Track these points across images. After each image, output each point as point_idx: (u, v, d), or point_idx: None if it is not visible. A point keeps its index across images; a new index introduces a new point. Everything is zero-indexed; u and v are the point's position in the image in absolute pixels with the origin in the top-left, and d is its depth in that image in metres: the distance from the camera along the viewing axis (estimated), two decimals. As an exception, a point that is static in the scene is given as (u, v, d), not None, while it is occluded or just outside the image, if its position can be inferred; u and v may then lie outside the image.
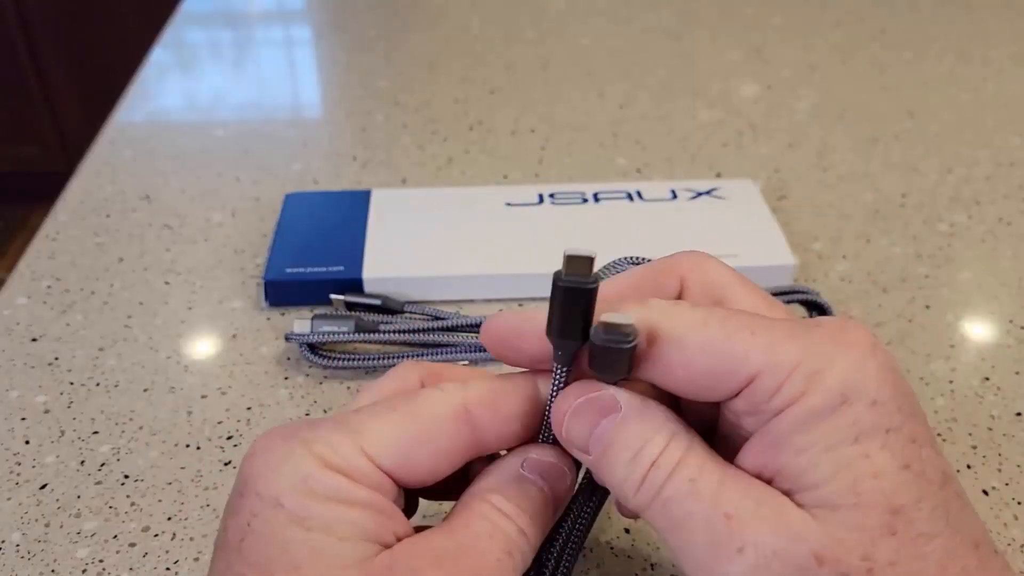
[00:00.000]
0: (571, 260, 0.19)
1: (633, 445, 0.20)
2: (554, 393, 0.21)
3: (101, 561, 0.29)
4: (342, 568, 0.19)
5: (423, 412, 0.21)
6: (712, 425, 0.22)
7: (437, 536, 0.20)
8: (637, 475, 0.19)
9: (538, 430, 0.23)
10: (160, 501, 0.31)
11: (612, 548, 0.30)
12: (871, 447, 0.17)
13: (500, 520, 0.21)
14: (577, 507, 0.24)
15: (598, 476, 0.21)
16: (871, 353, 0.18)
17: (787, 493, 0.18)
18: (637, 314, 0.20)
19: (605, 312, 0.19)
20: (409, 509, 0.24)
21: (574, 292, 0.19)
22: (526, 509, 0.21)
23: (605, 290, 0.21)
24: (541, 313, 0.21)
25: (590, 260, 0.19)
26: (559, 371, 0.21)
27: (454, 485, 0.23)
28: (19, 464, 0.33)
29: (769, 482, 0.19)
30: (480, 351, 0.37)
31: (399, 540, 0.20)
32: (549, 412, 0.22)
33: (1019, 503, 0.32)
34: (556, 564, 0.23)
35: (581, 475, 0.24)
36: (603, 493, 0.24)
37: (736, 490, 0.18)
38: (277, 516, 0.19)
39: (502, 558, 0.20)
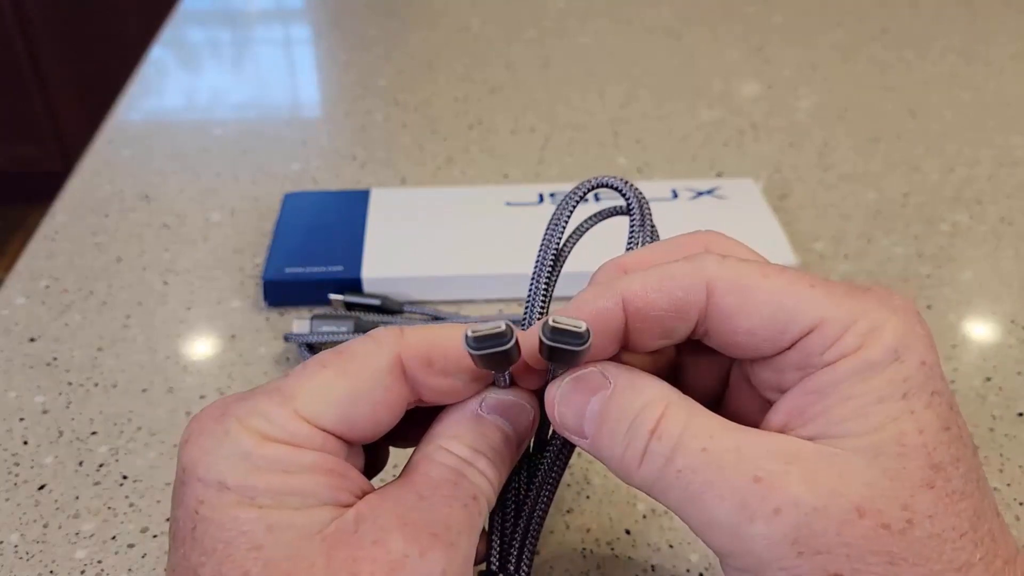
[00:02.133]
0: (558, 331, 0.18)
1: (627, 417, 0.19)
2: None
3: (100, 562, 0.29)
4: (304, 539, 0.18)
5: (356, 367, 0.20)
6: (715, 398, 0.22)
7: (398, 490, 0.20)
8: (637, 448, 0.19)
9: (486, 381, 0.22)
10: (159, 502, 0.31)
11: (613, 549, 0.30)
12: (917, 405, 0.18)
13: (460, 466, 0.20)
14: (550, 457, 0.23)
15: (602, 460, 0.20)
16: (917, 319, 0.19)
17: (818, 438, 0.18)
18: (690, 269, 0.19)
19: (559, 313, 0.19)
20: (379, 461, 0.24)
21: (563, 352, 0.19)
22: (485, 451, 0.21)
23: (637, 259, 0.21)
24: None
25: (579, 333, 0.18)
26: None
27: (422, 430, 0.22)
28: (17, 465, 0.33)
29: (793, 431, 0.19)
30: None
31: (358, 499, 0.19)
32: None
33: (1021, 504, 0.32)
34: (530, 512, 0.23)
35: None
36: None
37: (760, 451, 0.18)
38: (224, 499, 0.18)
39: (468, 504, 0.20)
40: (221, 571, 0.18)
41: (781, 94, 0.59)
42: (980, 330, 0.40)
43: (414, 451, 0.21)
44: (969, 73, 0.61)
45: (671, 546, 0.30)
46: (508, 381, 0.22)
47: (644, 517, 0.31)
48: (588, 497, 0.32)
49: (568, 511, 0.31)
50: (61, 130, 1.60)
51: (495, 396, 0.21)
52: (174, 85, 0.61)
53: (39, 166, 1.61)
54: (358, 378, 0.20)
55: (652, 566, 0.30)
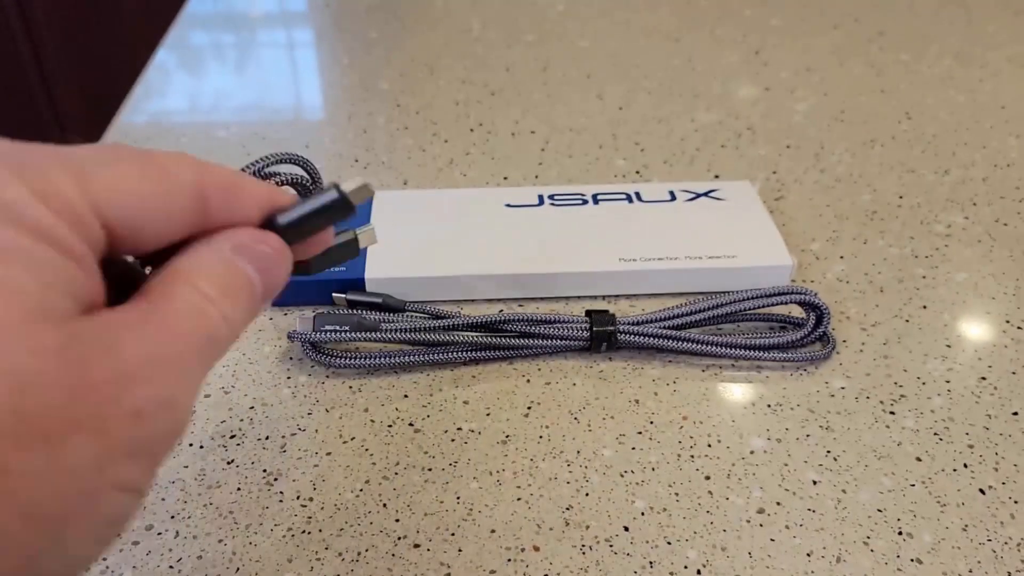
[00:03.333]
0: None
1: None
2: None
3: (104, 559, 0.30)
4: (43, 314, 0.15)
5: (161, 172, 0.18)
6: None
7: (137, 309, 0.18)
8: None
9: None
10: (163, 500, 0.32)
11: (611, 546, 0.31)
12: None
13: (205, 305, 0.19)
14: None
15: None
16: None
17: None
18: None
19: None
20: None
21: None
22: (232, 296, 0.19)
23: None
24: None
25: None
26: None
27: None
28: (25, 463, 0.33)
29: None
30: (481, 350, 0.38)
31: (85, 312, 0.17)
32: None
33: (1016, 502, 0.32)
34: None
35: None
36: None
37: None
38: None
39: (203, 345, 0.18)
40: None
41: (778, 96, 0.59)
42: (975, 330, 0.40)
43: (152, 276, 0.19)
44: (965, 76, 0.61)
45: (669, 543, 0.31)
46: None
47: (642, 514, 0.32)
48: (587, 494, 0.32)
49: (567, 508, 0.32)
50: (66, 133, 1.60)
51: (249, 241, 0.20)
52: (178, 88, 0.62)
53: (42, 168, 1.61)
54: (161, 185, 0.18)
55: (650, 563, 0.30)
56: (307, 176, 0.25)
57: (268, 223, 0.21)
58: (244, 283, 0.20)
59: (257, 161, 0.24)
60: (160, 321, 0.18)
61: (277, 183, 0.25)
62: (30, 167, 0.16)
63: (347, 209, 0.22)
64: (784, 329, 0.39)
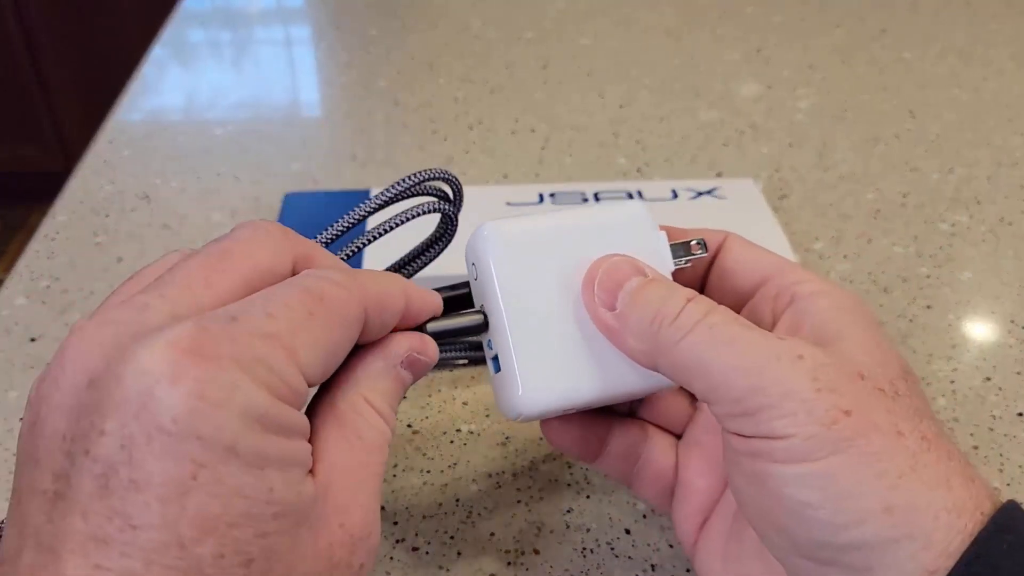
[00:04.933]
0: None
1: (660, 294, 0.22)
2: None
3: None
4: (300, 526, 0.18)
5: (337, 318, 0.19)
6: None
7: (343, 456, 0.20)
8: (670, 311, 0.22)
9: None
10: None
11: (613, 549, 0.30)
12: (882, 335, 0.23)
13: (384, 427, 0.21)
14: None
15: (623, 327, 0.23)
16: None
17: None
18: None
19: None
20: None
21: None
22: (394, 404, 0.22)
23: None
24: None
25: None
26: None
27: None
28: (17, 464, 0.33)
29: None
30: (480, 350, 0.37)
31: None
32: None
33: (1021, 502, 0.32)
34: None
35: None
36: None
37: (779, 330, 0.23)
38: (231, 467, 0.16)
39: (384, 454, 0.21)
40: (222, 553, 0.16)
41: (781, 94, 0.59)
42: (979, 330, 0.40)
43: (331, 388, 0.21)
44: (968, 74, 0.61)
45: (671, 546, 0.30)
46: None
47: (644, 517, 0.31)
48: (588, 497, 0.32)
49: (568, 511, 0.31)
50: (62, 130, 1.60)
51: (414, 354, 0.22)
52: (174, 85, 0.61)
53: (39, 166, 1.61)
54: (339, 329, 0.19)
55: (652, 566, 0.30)
56: (452, 193, 0.27)
57: (420, 327, 0.23)
58: (403, 390, 0.22)
59: (409, 177, 0.25)
60: (363, 464, 0.20)
61: (425, 208, 0.26)
62: (254, 362, 0.17)
63: (486, 329, 0.24)
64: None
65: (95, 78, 1.53)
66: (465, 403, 0.36)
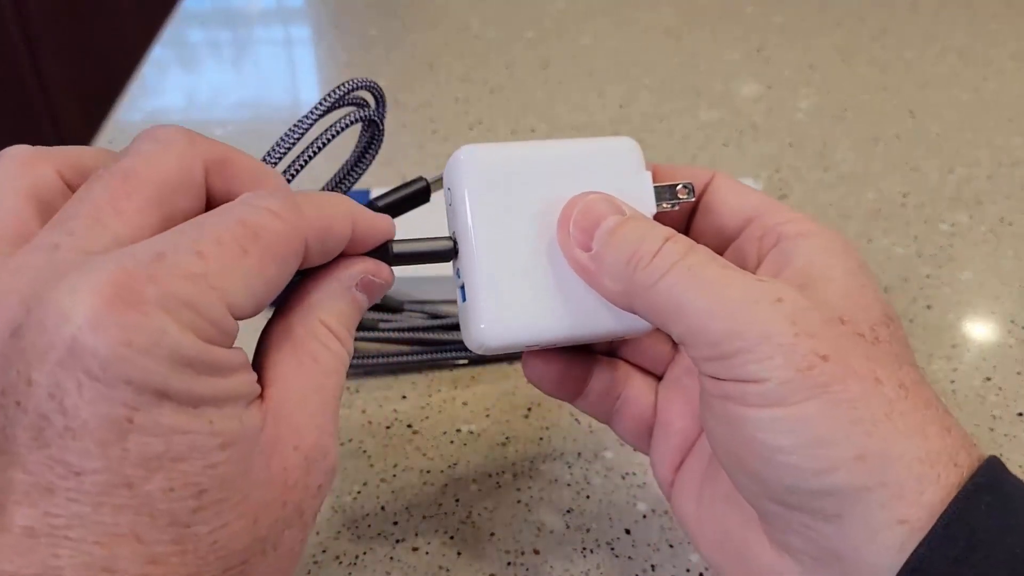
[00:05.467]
0: None
1: (638, 232, 0.22)
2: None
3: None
4: (250, 452, 0.17)
5: (273, 253, 0.18)
6: None
7: (297, 381, 0.19)
8: (648, 251, 0.21)
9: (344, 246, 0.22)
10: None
11: (613, 549, 0.30)
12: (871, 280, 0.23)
13: (341, 350, 0.20)
14: None
15: (598, 268, 0.22)
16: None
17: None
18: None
19: None
20: None
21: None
22: (350, 326, 0.21)
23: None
24: None
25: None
26: None
27: None
28: (17, 464, 0.33)
29: None
30: (480, 351, 0.37)
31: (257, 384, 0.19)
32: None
33: (1021, 504, 0.32)
34: None
35: None
36: None
37: (763, 272, 0.23)
38: (165, 409, 0.16)
39: (341, 376, 0.20)
40: (171, 487, 0.16)
41: (781, 94, 0.59)
42: (980, 330, 0.40)
43: (286, 312, 0.21)
44: (969, 73, 0.61)
45: (671, 546, 0.30)
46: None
47: (644, 517, 0.31)
48: (588, 497, 0.32)
49: (568, 511, 0.31)
50: (61, 130, 1.60)
51: (372, 278, 0.22)
52: (174, 85, 0.61)
53: (39, 166, 1.60)
54: (275, 265, 0.19)
55: (652, 566, 0.30)
56: (374, 99, 0.27)
57: (382, 249, 0.22)
58: (360, 313, 0.22)
59: (333, 92, 0.25)
60: (319, 386, 0.20)
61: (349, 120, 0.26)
62: (169, 300, 0.16)
63: (452, 256, 0.23)
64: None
65: (95, 78, 1.53)
66: (465, 403, 0.36)
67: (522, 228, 0.23)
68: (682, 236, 0.22)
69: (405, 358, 0.36)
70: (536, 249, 0.23)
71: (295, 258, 0.19)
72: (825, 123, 0.55)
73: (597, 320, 0.23)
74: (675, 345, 0.27)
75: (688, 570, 0.29)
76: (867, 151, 0.52)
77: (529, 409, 0.36)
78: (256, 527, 0.17)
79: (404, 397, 0.36)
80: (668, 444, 0.25)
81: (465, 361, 0.37)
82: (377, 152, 0.27)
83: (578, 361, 0.26)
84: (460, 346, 0.37)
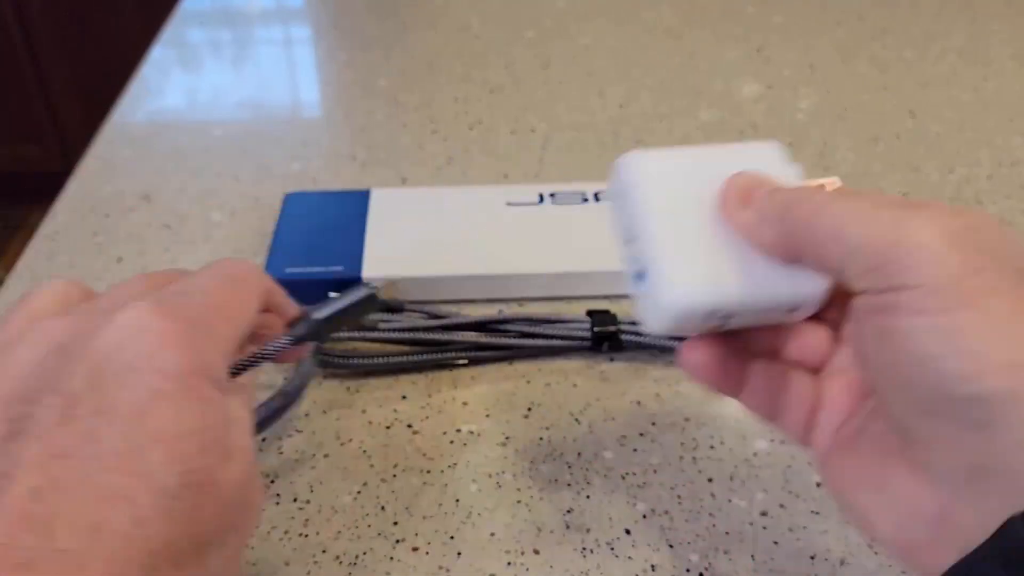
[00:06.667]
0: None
1: (796, 189, 0.24)
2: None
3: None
4: (227, 439, 0.21)
5: (248, 316, 0.24)
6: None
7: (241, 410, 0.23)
8: (805, 192, 0.23)
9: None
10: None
11: (612, 549, 0.30)
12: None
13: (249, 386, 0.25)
14: None
15: (760, 219, 0.24)
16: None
17: None
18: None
19: None
20: None
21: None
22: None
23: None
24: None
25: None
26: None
27: None
28: (17, 464, 0.33)
29: None
30: (479, 350, 0.37)
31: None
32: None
33: (1021, 504, 0.32)
34: None
35: None
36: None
37: None
38: (183, 396, 0.20)
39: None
40: (170, 459, 0.19)
41: (781, 94, 0.59)
42: (980, 330, 0.39)
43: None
44: (969, 73, 0.61)
45: (671, 546, 0.30)
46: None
47: (644, 517, 0.31)
48: (588, 497, 0.32)
49: (568, 511, 0.31)
50: (62, 130, 1.60)
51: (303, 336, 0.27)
52: (175, 85, 0.61)
53: (40, 166, 1.61)
54: (247, 327, 0.24)
55: (652, 566, 0.30)
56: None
57: (301, 318, 0.27)
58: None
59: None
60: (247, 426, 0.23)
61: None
62: (204, 349, 0.21)
63: (376, 303, 0.27)
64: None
65: (95, 78, 1.53)
66: (465, 403, 0.36)
67: (691, 213, 0.25)
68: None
69: (405, 358, 0.36)
70: (706, 228, 0.24)
71: (260, 304, 0.25)
72: (825, 123, 0.55)
73: (770, 281, 0.24)
74: (836, 337, 0.27)
75: (688, 570, 0.29)
76: (867, 151, 0.52)
77: (529, 409, 0.36)
78: (222, 517, 0.21)
79: (404, 397, 0.36)
80: (831, 423, 0.26)
81: (465, 361, 0.37)
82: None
83: (738, 355, 0.27)
84: (460, 346, 0.37)
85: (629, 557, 0.30)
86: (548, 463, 0.33)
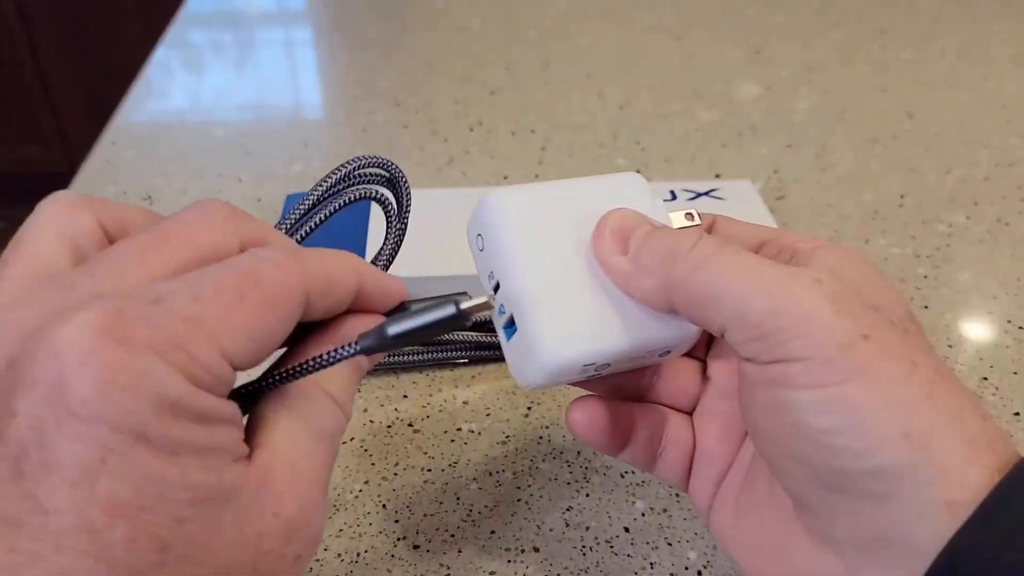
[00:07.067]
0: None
1: (671, 237, 0.22)
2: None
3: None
4: (222, 513, 0.17)
5: (273, 302, 0.18)
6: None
7: (283, 439, 0.19)
8: (683, 246, 0.22)
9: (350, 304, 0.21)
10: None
11: (612, 547, 0.30)
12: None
13: (329, 408, 0.20)
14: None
15: (636, 268, 0.23)
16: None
17: None
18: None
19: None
20: None
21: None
22: (349, 389, 0.21)
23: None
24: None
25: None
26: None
27: None
28: (22, 463, 0.33)
29: None
30: (479, 350, 0.37)
31: (245, 444, 0.18)
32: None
33: (1016, 502, 0.32)
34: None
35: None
36: None
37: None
38: (140, 452, 0.16)
39: (335, 443, 0.20)
40: (134, 538, 0.16)
41: (780, 95, 0.59)
42: (977, 330, 0.40)
43: (274, 376, 0.20)
44: (967, 74, 0.61)
45: (669, 543, 0.31)
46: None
47: (643, 515, 0.31)
48: (587, 495, 0.32)
49: (567, 509, 0.32)
50: (65, 131, 1.60)
51: (371, 343, 0.21)
52: (177, 87, 0.61)
53: (43, 167, 1.61)
54: (274, 314, 0.18)
55: (651, 564, 0.30)
56: (390, 180, 0.27)
57: (398, 310, 0.22)
58: (360, 375, 0.21)
59: (345, 164, 0.25)
60: (309, 453, 0.19)
61: (361, 195, 0.26)
62: (172, 348, 0.16)
63: (461, 324, 0.21)
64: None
65: (98, 79, 1.54)
66: (466, 402, 0.36)
67: (559, 256, 0.23)
68: (712, 235, 0.23)
69: (406, 358, 0.37)
70: (576, 273, 0.23)
71: (295, 308, 0.19)
72: (823, 124, 0.56)
73: (645, 329, 0.23)
74: (704, 374, 0.27)
75: (687, 568, 0.30)
76: (865, 152, 0.53)
77: (529, 408, 0.36)
78: None
79: (405, 396, 0.36)
80: (710, 469, 0.25)
81: (465, 360, 0.38)
82: (398, 239, 0.28)
83: (623, 408, 0.26)
84: (461, 346, 0.37)
85: (628, 555, 0.30)
86: (548, 461, 0.34)
